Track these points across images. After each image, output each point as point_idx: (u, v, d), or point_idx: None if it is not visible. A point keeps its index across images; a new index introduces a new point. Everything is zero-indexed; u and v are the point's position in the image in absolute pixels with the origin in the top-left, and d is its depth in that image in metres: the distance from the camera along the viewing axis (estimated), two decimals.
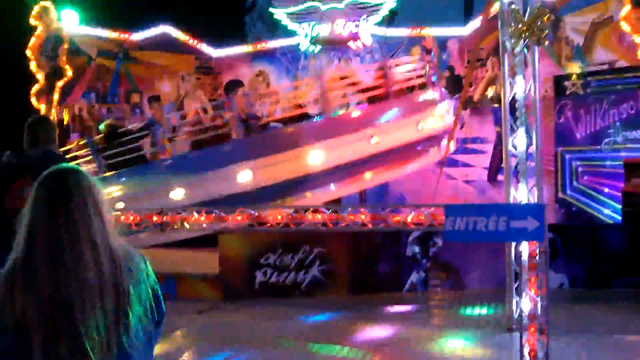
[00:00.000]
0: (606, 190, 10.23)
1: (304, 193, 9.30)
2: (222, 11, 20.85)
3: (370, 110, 10.22)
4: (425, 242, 7.44)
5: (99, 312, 1.81)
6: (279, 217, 4.67)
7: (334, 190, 9.58)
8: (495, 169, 13.24)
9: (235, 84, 15.55)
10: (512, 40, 5.84)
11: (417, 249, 7.48)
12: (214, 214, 4.91)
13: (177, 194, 8.58)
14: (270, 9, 16.00)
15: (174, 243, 9.10)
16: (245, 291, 7.40)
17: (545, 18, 5.59)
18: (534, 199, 5.71)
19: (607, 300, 6.91)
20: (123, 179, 9.62)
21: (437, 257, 7.55)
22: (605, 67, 10.93)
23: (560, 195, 11.50)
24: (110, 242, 1.88)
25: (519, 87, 5.92)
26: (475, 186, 13.04)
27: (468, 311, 6.76)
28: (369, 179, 10.22)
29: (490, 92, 13.06)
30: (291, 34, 15.92)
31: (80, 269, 1.80)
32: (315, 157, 9.08)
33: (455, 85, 13.09)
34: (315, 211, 4.88)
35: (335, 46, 15.19)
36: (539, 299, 4.49)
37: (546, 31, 5.60)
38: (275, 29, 16.77)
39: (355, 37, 15.00)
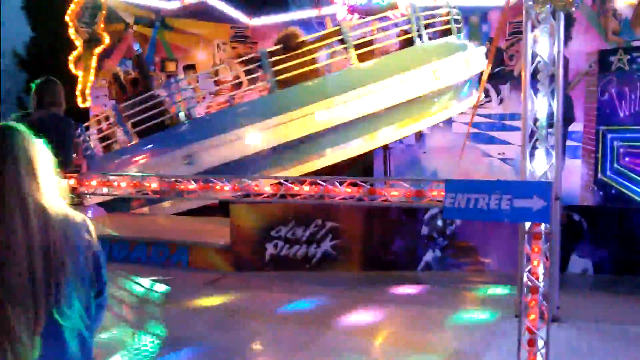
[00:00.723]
0: None
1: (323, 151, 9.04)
2: None
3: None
4: (442, 220, 7.15)
5: (26, 280, 1.69)
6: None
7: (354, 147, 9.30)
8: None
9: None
10: (537, 6, 5.42)
11: (433, 226, 7.21)
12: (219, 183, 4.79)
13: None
14: None
15: (189, 211, 9.12)
16: (255, 263, 7.30)
17: None
18: (551, 176, 5.37)
19: (633, 288, 6.51)
20: (149, 146, 9.63)
21: (455, 235, 7.26)
22: None
23: (599, 176, 10.94)
24: (45, 205, 1.78)
25: (543, 50, 5.49)
26: (513, 164, 12.56)
27: (481, 294, 6.48)
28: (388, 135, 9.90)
29: None
30: (327, 2, 15.59)
31: (3, 231, 1.69)
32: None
33: (495, 58, 12.55)
34: (303, 183, 4.69)
35: (373, 16, 14.75)
36: (541, 284, 4.19)
37: None
38: None
39: (393, 6, 14.52)
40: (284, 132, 8.70)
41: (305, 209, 7.06)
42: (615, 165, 10.65)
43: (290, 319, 5.67)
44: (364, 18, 13.68)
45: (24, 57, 20.26)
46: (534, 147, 5.52)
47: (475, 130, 13.48)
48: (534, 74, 5.57)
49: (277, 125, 8.69)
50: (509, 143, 12.67)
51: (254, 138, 8.40)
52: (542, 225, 4.18)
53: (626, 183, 10.31)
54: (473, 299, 6.33)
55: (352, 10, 14.97)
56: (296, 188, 4.66)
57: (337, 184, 4.56)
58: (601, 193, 10.59)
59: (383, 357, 4.85)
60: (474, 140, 13.10)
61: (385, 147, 11.44)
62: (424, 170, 13.05)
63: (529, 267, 4.26)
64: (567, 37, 12.09)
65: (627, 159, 10.38)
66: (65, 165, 5.61)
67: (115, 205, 10.47)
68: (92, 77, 14.90)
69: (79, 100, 14.58)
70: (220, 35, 15.98)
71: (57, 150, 5.32)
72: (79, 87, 14.90)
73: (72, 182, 5.44)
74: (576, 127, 11.98)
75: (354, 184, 4.55)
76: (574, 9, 5.39)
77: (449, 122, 12.92)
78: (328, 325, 5.42)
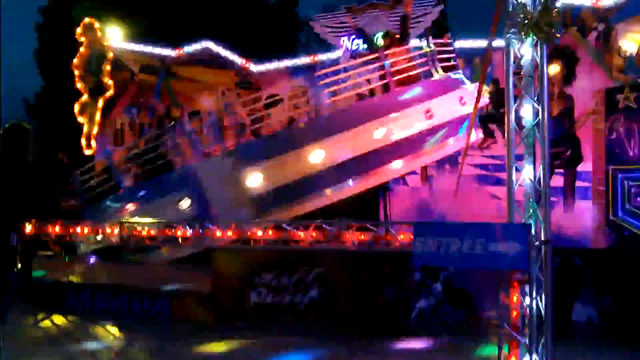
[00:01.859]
0: None
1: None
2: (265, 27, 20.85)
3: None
4: (435, 266, 6.75)
5: None
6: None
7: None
8: None
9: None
10: (519, 37, 5.16)
11: (425, 273, 6.81)
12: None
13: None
14: (310, 23, 15.81)
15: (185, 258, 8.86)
16: (237, 312, 6.95)
17: (554, 13, 4.92)
18: (542, 185, 5.01)
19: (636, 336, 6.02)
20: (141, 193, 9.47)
21: (449, 282, 6.84)
22: None
23: (611, 217, 10.47)
24: None
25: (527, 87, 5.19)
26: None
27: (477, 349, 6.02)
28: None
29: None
30: (330, 48, 15.68)
31: None
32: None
33: (499, 98, 12.34)
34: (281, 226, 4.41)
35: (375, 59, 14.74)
36: (520, 337, 3.79)
37: (555, 27, 4.93)
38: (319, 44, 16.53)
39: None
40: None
41: (290, 254, 6.74)
42: (627, 205, 10.19)
43: None
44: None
45: (34, 105, 20.55)
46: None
47: (483, 172, 13.14)
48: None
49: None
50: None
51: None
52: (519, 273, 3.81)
53: (639, 224, 9.85)
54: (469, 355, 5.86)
55: (353, 56, 14.96)
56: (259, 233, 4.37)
57: (302, 228, 4.27)
58: (614, 235, 10.10)
59: None
60: (481, 182, 12.74)
61: (384, 189, 11.14)
62: (430, 214, 12.68)
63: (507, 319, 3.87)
64: (572, 76, 11.83)
65: (639, 198, 9.95)
66: (31, 209, 5.42)
67: (109, 254, 10.27)
68: (96, 125, 14.96)
69: (83, 146, 14.62)
70: (225, 82, 16.04)
71: (20, 197, 5.11)
72: (84, 133, 14.96)
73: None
74: (585, 166, 11.58)
75: (319, 227, 4.25)
76: (556, 41, 5.11)
77: (455, 162, 12.64)
78: None
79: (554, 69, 11.48)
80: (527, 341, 4.70)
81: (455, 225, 4.02)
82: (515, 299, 3.81)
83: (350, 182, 9.09)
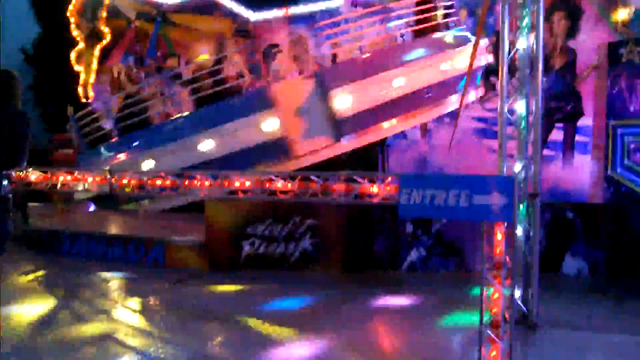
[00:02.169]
0: None
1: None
2: None
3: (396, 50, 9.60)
4: (427, 218, 6.77)
5: None
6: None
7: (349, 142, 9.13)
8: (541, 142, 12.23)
9: (273, 49, 15.08)
10: None
11: (417, 225, 6.84)
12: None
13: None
14: None
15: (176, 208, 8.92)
16: (231, 262, 7.01)
17: None
18: (533, 137, 5.02)
19: (627, 291, 6.07)
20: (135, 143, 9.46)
21: (440, 234, 6.88)
22: None
23: (609, 172, 10.44)
24: None
25: (522, 43, 5.10)
26: None
27: (463, 299, 6.08)
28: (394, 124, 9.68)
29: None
30: None
31: None
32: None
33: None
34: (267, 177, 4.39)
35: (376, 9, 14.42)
36: (504, 290, 3.81)
37: None
38: None
39: None
40: None
41: (283, 205, 6.75)
42: (626, 161, 10.14)
43: (267, 319, 5.35)
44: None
45: (31, 53, 20.29)
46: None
47: (482, 126, 13.04)
48: (512, 68, 5.19)
49: None
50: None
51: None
52: (504, 224, 3.80)
53: (637, 180, 9.82)
54: (458, 301, 5.91)
55: (354, 4, 14.64)
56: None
57: (282, 179, 4.26)
58: (611, 190, 10.09)
59: None
60: (480, 136, 12.66)
61: (382, 144, 11.11)
62: (428, 167, 12.67)
63: (490, 271, 3.88)
64: (576, 30, 11.60)
65: (638, 154, 9.88)
66: (20, 159, 5.38)
67: (106, 202, 10.33)
68: (93, 74, 14.83)
69: (80, 94, 14.51)
70: (222, 30, 15.75)
71: (9, 145, 5.05)
72: (81, 82, 14.83)
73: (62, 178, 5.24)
74: (585, 121, 11.48)
75: (305, 178, 4.23)
76: None
77: (455, 116, 12.54)
78: (303, 329, 5.09)
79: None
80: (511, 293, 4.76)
81: (441, 177, 3.99)
82: (498, 251, 3.82)
83: (346, 139, 9.10)
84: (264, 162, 7.97)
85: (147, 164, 8.33)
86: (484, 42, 10.59)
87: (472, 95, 11.11)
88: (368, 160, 11.52)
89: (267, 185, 4.43)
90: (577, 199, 10.16)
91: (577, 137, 11.81)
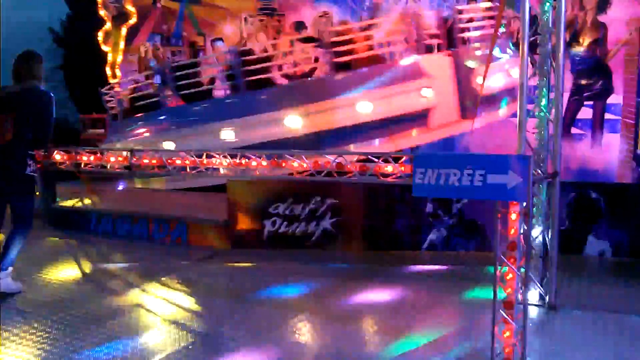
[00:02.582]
0: None
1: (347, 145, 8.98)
2: None
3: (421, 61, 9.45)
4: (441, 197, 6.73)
5: None
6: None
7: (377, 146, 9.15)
8: (569, 120, 12.01)
9: (298, 26, 15.02)
10: None
11: (438, 204, 6.81)
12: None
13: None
14: None
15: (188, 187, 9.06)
16: (253, 240, 7.09)
17: None
18: (552, 128, 4.94)
19: None
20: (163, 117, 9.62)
21: (461, 214, 6.84)
22: None
23: (638, 151, 10.22)
24: None
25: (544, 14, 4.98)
26: None
27: (483, 278, 6.06)
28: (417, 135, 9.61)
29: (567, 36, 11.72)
30: None
31: None
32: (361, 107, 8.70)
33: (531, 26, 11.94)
34: (280, 157, 4.43)
35: None
36: (517, 270, 3.79)
37: None
38: None
39: None
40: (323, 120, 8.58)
41: (304, 185, 6.78)
42: None
43: (284, 301, 5.43)
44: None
45: (60, 34, 20.53)
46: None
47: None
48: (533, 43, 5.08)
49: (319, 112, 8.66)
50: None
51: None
52: (519, 204, 3.76)
53: None
54: (477, 279, 5.91)
55: None
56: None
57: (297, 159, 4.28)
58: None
59: (383, 340, 4.51)
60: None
61: None
62: (454, 146, 12.56)
63: (504, 251, 3.86)
64: (606, 4, 11.27)
65: None
66: (44, 138, 5.50)
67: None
68: (120, 54, 14.99)
69: (109, 75, 14.69)
70: (247, 8, 15.73)
71: (34, 123, 5.16)
72: (109, 62, 15.00)
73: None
74: (615, 99, 11.22)
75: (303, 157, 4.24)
76: None
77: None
78: (323, 307, 5.15)
79: None
80: (532, 274, 4.74)
81: (455, 156, 3.96)
82: (512, 231, 3.79)
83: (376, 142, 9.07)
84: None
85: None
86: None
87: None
88: None
89: (283, 164, 4.47)
90: (605, 179, 9.98)
91: (607, 115, 11.55)
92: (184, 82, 9.48)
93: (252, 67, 9.13)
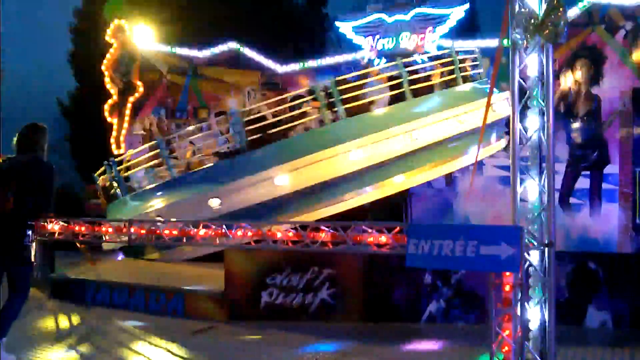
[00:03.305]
0: None
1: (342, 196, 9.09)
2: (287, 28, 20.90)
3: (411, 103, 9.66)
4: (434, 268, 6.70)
5: None
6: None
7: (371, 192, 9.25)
8: (567, 190, 12.12)
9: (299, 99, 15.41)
10: (524, 37, 5.08)
11: (436, 275, 6.77)
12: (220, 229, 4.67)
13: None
14: (336, 22, 15.84)
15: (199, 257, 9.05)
16: (250, 312, 7.03)
17: (559, 12, 4.83)
18: (545, 198, 4.93)
19: None
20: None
21: (460, 285, 6.79)
22: None
23: (638, 221, 10.22)
24: None
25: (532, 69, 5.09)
26: None
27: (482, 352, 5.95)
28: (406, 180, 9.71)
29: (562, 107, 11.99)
30: (356, 48, 15.68)
31: None
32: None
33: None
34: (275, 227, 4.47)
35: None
36: (513, 344, 3.75)
37: (560, 26, 4.83)
38: (342, 43, 16.55)
39: (421, 49, 14.49)
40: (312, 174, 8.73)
41: (301, 254, 6.78)
42: None
43: None
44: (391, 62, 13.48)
45: (68, 106, 21.05)
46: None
47: (507, 174, 12.95)
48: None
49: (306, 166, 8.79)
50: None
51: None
52: (512, 275, 3.77)
53: None
54: (477, 353, 5.79)
55: (379, 54, 14.92)
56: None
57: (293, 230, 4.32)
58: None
59: None
60: (505, 184, 12.59)
61: (406, 193, 11.12)
62: (455, 215, 12.58)
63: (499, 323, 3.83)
64: (599, 76, 11.59)
65: None
66: (45, 208, 5.57)
67: (133, 251, 10.52)
68: (126, 125, 15.28)
69: (113, 147, 14.95)
70: (251, 82, 16.20)
71: (35, 194, 5.23)
72: (114, 134, 15.28)
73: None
74: (612, 169, 11.35)
75: (315, 229, 4.29)
76: (561, 40, 5.01)
77: (480, 165, 12.51)
78: None
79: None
80: (531, 347, 4.66)
81: (448, 227, 4.00)
82: (507, 303, 3.77)
83: (369, 188, 9.22)
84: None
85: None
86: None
87: (500, 143, 11.10)
88: (392, 209, 11.53)
89: (298, 236, 4.50)
90: (605, 249, 9.94)
91: (605, 185, 11.63)
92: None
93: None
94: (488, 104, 6.39)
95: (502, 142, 11.20)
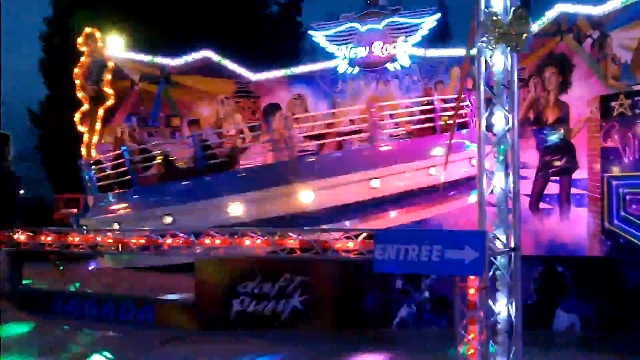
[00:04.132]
0: None
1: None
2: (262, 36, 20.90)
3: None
4: (417, 274, 6.74)
5: None
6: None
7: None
8: (537, 196, 12.25)
9: (273, 108, 15.38)
10: (490, 46, 5.16)
11: (408, 280, 6.81)
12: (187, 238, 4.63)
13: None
14: (309, 32, 15.86)
15: (156, 267, 8.97)
16: (221, 321, 6.98)
17: (524, 22, 4.93)
18: (512, 192, 4.99)
19: (618, 345, 5.96)
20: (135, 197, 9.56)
21: (432, 289, 6.84)
22: None
23: (606, 225, 10.39)
24: None
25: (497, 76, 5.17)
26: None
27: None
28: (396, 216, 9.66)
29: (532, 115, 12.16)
30: (329, 56, 15.70)
31: None
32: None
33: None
34: (244, 235, 4.45)
35: (373, 68, 14.79)
36: (478, 346, 3.78)
37: (524, 36, 4.93)
38: (315, 52, 16.60)
39: (393, 58, 14.60)
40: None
41: (273, 262, 6.77)
42: (622, 213, 10.11)
43: None
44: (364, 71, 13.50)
45: (38, 115, 20.76)
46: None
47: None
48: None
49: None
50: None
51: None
52: (477, 278, 3.81)
53: (634, 231, 9.76)
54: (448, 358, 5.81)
55: (352, 63, 14.97)
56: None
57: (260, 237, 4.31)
58: (608, 243, 10.02)
59: None
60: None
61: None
62: (426, 224, 12.63)
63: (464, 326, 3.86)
64: (567, 84, 11.78)
65: (634, 206, 9.84)
66: (10, 218, 5.49)
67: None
68: (96, 134, 15.10)
69: (84, 155, 14.74)
70: (224, 90, 16.11)
71: (1, 203, 5.16)
72: (84, 142, 15.09)
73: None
74: (580, 174, 11.50)
75: (283, 235, 4.28)
76: (525, 49, 5.10)
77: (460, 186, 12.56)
78: None
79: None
80: (498, 349, 4.70)
81: (414, 232, 4.03)
82: (471, 306, 3.81)
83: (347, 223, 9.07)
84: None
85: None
86: None
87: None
88: None
89: (246, 243, 4.49)
90: (575, 252, 10.08)
91: (573, 190, 11.79)
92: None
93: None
94: (455, 116, 6.46)
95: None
